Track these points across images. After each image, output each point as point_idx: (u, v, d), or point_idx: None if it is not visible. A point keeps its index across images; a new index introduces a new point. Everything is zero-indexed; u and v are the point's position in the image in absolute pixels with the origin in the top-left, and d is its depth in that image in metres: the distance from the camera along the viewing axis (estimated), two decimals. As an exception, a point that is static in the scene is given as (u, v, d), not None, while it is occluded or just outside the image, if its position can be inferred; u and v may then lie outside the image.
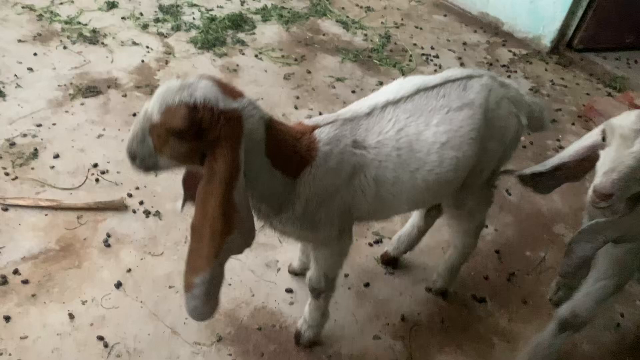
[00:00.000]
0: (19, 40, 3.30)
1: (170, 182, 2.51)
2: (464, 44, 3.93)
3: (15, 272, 2.06)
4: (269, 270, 2.22)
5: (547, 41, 3.86)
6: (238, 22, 3.75)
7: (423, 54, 3.74)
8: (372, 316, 2.12)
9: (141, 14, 3.73)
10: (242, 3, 4.02)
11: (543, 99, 3.46)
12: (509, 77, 3.62)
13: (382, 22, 4.06)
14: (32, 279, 2.05)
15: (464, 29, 4.12)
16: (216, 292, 1.36)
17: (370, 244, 2.39)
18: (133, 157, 1.30)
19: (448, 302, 2.20)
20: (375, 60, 3.60)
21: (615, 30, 3.82)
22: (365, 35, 3.88)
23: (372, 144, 1.48)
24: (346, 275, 2.24)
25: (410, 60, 3.66)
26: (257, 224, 1.48)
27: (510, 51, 3.92)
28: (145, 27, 3.60)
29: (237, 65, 3.37)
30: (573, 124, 3.28)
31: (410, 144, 1.50)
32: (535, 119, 1.82)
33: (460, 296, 2.23)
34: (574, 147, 1.56)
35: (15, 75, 3.02)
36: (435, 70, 3.61)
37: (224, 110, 1.21)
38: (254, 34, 3.70)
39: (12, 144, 2.60)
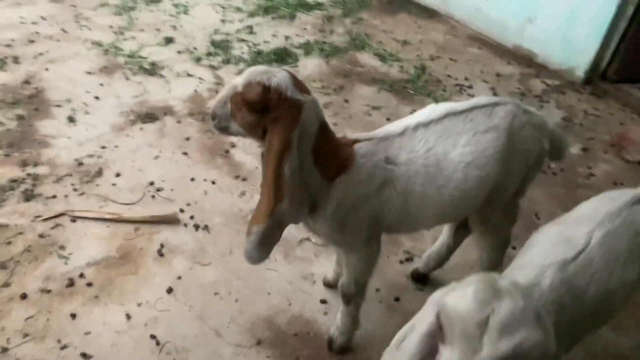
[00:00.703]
0: (88, 72, 3.69)
1: (218, 200, 2.75)
2: (498, 75, 4.07)
3: (81, 275, 2.32)
4: (305, 281, 2.39)
5: (580, 72, 3.95)
6: (282, 55, 4.04)
7: (457, 84, 3.91)
8: (401, 327, 2.24)
9: (195, 48, 4.08)
10: (287, 38, 4.31)
11: (576, 128, 3.55)
12: (541, 107, 3.73)
13: (417, 55, 4.26)
14: (95, 282, 2.31)
15: (498, 61, 4.27)
16: (268, 245, 1.61)
17: (402, 262, 2.53)
18: (213, 117, 1.60)
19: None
20: (410, 90, 3.79)
21: (651, 61, 3.88)
22: (401, 67, 4.09)
23: (402, 161, 1.67)
24: (377, 290, 2.39)
25: (444, 90, 3.83)
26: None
27: (543, 82, 4.03)
28: (198, 60, 3.94)
29: (281, 94, 3.63)
30: (605, 152, 3.35)
31: (438, 162, 1.67)
32: (556, 147, 1.96)
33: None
34: (414, 343, 1.19)
35: (84, 103, 3.39)
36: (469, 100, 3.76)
37: (289, 97, 1.49)
38: (297, 66, 3.97)
39: (80, 164, 2.92)
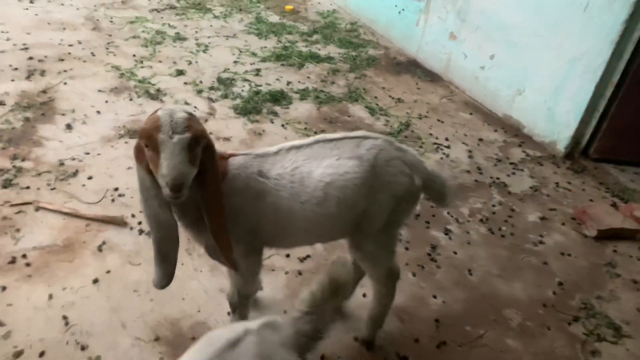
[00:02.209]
0: (99, 90, 4.12)
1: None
2: (480, 140, 4.17)
3: (24, 256, 2.57)
4: (220, 294, 2.52)
5: (561, 147, 3.99)
6: (277, 97, 4.34)
7: (435, 143, 4.04)
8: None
9: (201, 82, 4.46)
10: (288, 83, 4.63)
11: (541, 197, 3.57)
12: (513, 173, 3.79)
13: (407, 112, 4.45)
14: (33, 263, 2.55)
15: (485, 128, 4.38)
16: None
17: (319, 291, 2.62)
18: (180, 186, 1.52)
19: (370, 353, 2.34)
20: (387, 142, 3.95)
21: (637, 143, 3.87)
22: (387, 121, 4.28)
23: (273, 176, 1.83)
24: (286, 312, 2.48)
25: (420, 147, 3.97)
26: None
27: (524, 152, 4.08)
28: (200, 92, 4.31)
29: (264, 130, 3.90)
30: (563, 224, 3.33)
31: (302, 179, 1.82)
32: (436, 190, 2.06)
33: (384, 351, 2.36)
34: None
35: (85, 114, 3.78)
36: (442, 158, 3.88)
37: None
38: (288, 108, 4.25)
39: (62, 164, 3.25)
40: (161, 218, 1.67)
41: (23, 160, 3.23)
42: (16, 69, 4.24)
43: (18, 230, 2.72)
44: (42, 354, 2.14)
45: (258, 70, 4.79)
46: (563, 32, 3.82)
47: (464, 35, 4.73)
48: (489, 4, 4.40)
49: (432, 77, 5.14)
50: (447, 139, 4.11)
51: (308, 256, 2.80)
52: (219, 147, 3.51)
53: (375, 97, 4.64)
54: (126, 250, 2.71)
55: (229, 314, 2.43)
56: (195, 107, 4.06)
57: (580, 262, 3.04)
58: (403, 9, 5.49)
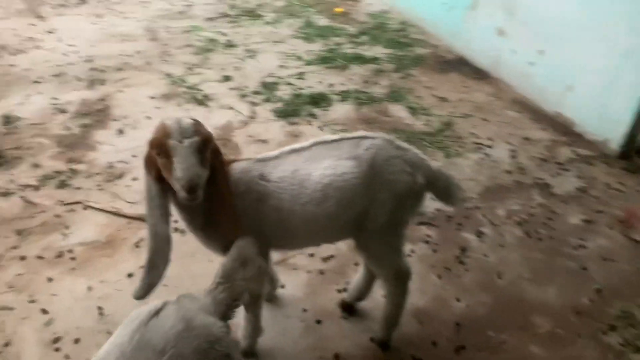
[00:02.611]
0: (151, 97, 4.39)
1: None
2: (526, 139, 4.00)
3: (70, 251, 2.82)
4: (243, 290, 2.62)
5: (615, 145, 3.74)
6: (317, 99, 4.41)
7: (477, 143, 3.92)
8: (311, 347, 2.37)
9: (245, 87, 4.62)
10: (330, 85, 4.69)
11: (588, 199, 3.37)
12: (559, 174, 3.60)
13: (450, 112, 4.35)
14: (77, 257, 2.78)
15: (533, 126, 4.19)
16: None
17: (339, 291, 2.65)
18: (195, 187, 1.61)
19: (386, 354, 2.34)
20: (425, 143, 3.90)
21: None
22: (428, 121, 4.21)
23: (274, 179, 1.89)
24: (304, 310, 2.54)
25: (460, 147, 3.88)
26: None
27: (573, 151, 3.87)
28: (244, 96, 4.47)
29: (301, 132, 3.98)
30: (611, 227, 3.13)
31: (302, 181, 1.87)
32: (441, 188, 2.03)
33: (400, 352, 2.35)
34: None
35: (135, 120, 4.05)
36: (482, 158, 3.76)
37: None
38: (327, 110, 4.30)
39: (111, 166, 3.50)
40: (159, 229, 1.76)
41: (78, 163, 3.52)
42: (80, 78, 4.62)
43: (67, 227, 2.98)
44: (77, 341, 2.34)
45: (302, 73, 4.88)
46: (614, 25, 3.59)
47: (512, 31, 4.55)
48: (537, -3, 4.22)
49: (480, 75, 4.99)
50: (489, 138, 3.99)
51: (332, 256, 2.84)
52: (257, 149, 3.64)
53: (418, 97, 4.58)
54: (160, 247, 2.87)
55: (249, 310, 2.53)
56: (238, 111, 4.22)
57: (624, 268, 2.85)
58: (451, 6, 5.37)
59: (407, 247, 2.92)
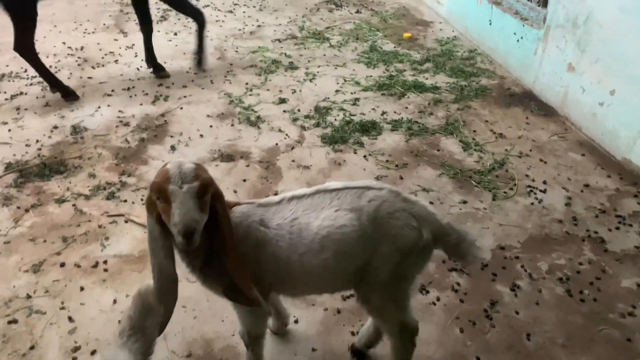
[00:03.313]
0: (207, 115, 4.57)
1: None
2: (586, 185, 3.69)
3: (105, 262, 2.97)
4: (257, 321, 2.63)
5: (690, 201, 3.36)
6: (367, 127, 4.36)
7: (529, 186, 3.68)
8: (313, 390, 2.32)
9: (299, 110, 4.68)
10: (383, 113, 4.62)
11: (647, 261, 3.04)
12: (617, 228, 3.28)
13: (506, 149, 4.13)
14: (110, 269, 2.93)
15: (597, 172, 3.86)
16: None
17: (353, 333, 2.57)
18: (191, 233, 1.61)
19: (389, 409, 2.23)
20: (473, 182, 3.72)
21: None
22: (480, 157, 4.02)
23: (273, 225, 1.87)
24: (314, 350, 2.49)
25: (510, 189, 3.66)
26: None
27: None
28: (295, 120, 4.52)
29: (344, 160, 3.95)
30: (670, 296, 2.80)
31: (300, 231, 1.84)
32: (452, 245, 1.92)
33: (404, 409, 2.23)
34: None
35: (189, 137, 4.22)
36: (532, 204, 3.52)
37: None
38: (376, 139, 4.24)
39: (158, 182, 3.67)
40: (164, 269, 1.77)
41: (129, 176, 3.73)
42: (146, 94, 4.91)
43: (107, 238, 3.15)
44: (93, 353, 2.46)
45: (357, 99, 4.86)
46: (695, 68, 3.24)
47: (583, 67, 4.25)
48: (611, 34, 3.91)
49: (546, 112, 4.70)
50: (544, 182, 3.73)
51: (352, 295, 2.77)
52: (298, 175, 3.65)
53: (474, 131, 4.39)
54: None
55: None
56: (287, 135, 4.27)
57: (678, 346, 2.53)
58: (522, 37, 5.12)
59: (433, 295, 2.79)
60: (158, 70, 5.25)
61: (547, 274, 2.95)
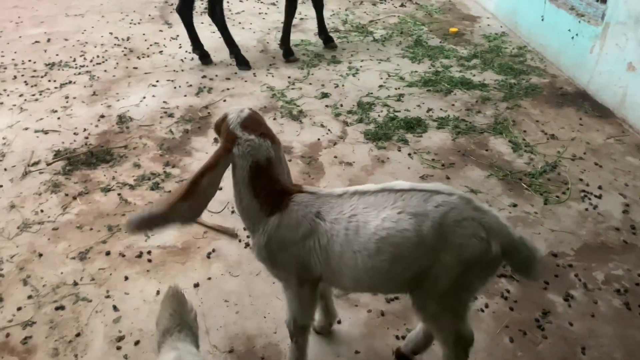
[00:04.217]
0: (250, 109, 4.53)
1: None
2: (645, 192, 3.51)
3: (149, 252, 2.99)
4: (299, 319, 2.59)
5: None
6: (412, 124, 4.25)
7: (583, 191, 3.51)
8: (355, 394, 2.26)
9: (341, 105, 4.61)
10: (429, 110, 4.50)
11: None
12: (677, 239, 3.10)
13: (558, 151, 3.95)
14: (154, 260, 2.94)
15: (657, 178, 3.66)
16: (147, 225, 1.84)
17: (397, 337, 2.50)
18: None
19: (435, 418, 2.16)
20: (523, 184, 3.57)
21: None
22: (531, 159, 3.86)
23: (330, 219, 1.83)
24: (357, 352, 2.44)
25: (563, 193, 3.49)
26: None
27: None
28: (337, 115, 4.45)
29: (388, 158, 3.86)
30: None
31: (357, 228, 1.78)
32: (520, 261, 1.83)
33: (451, 420, 2.15)
34: None
35: (232, 130, 4.21)
36: (587, 209, 3.35)
37: (230, 131, 1.85)
38: (421, 136, 4.13)
39: (201, 174, 3.67)
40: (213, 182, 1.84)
41: (173, 167, 3.74)
42: (190, 85, 4.93)
43: (151, 229, 3.16)
44: (137, 343, 2.47)
45: (401, 95, 4.75)
46: None
47: (645, 67, 4.02)
48: (679, 31, 3.68)
49: (601, 113, 4.48)
50: (600, 187, 3.54)
51: (397, 297, 2.69)
52: (340, 171, 3.58)
53: (524, 131, 4.22)
54: (230, 260, 2.94)
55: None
56: (329, 131, 4.21)
57: None
58: (577, 34, 4.89)
59: (481, 301, 2.69)
60: (327, 42, 5.74)
61: (603, 285, 2.80)
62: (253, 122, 1.87)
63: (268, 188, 1.87)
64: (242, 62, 5.29)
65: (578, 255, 3.00)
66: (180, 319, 1.71)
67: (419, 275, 1.80)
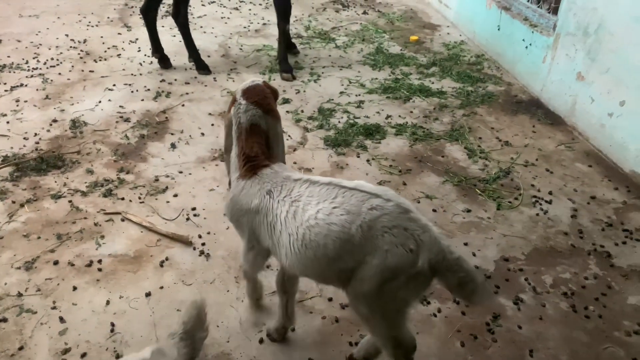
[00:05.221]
0: (209, 113, 4.50)
1: (233, 238, 3.10)
2: (592, 197, 3.62)
3: (99, 261, 2.90)
4: (253, 328, 2.56)
5: (698, 217, 3.29)
6: (372, 131, 4.29)
7: (535, 197, 3.61)
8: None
9: (302, 111, 4.61)
10: (387, 117, 4.55)
11: None
12: (624, 243, 3.21)
13: (511, 158, 4.05)
14: (104, 269, 2.86)
15: (604, 184, 3.79)
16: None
17: (351, 344, 2.50)
18: None
19: None
20: (477, 190, 3.65)
21: None
22: (486, 165, 3.95)
23: (278, 198, 1.94)
24: (310, 359, 2.42)
25: (515, 199, 3.58)
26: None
27: (647, 218, 3.45)
28: (298, 121, 4.45)
29: (347, 164, 3.88)
30: (677, 315, 2.73)
31: (295, 213, 1.88)
32: (455, 283, 1.81)
33: None
34: None
35: (190, 135, 4.15)
36: (537, 214, 3.45)
37: (234, 94, 2.18)
38: (379, 143, 4.17)
39: (156, 180, 3.60)
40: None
41: (127, 173, 3.66)
42: (148, 89, 4.84)
43: (102, 236, 3.08)
44: (83, 355, 2.39)
45: (361, 102, 4.79)
46: None
47: (593, 77, 4.18)
48: (623, 43, 3.83)
49: (553, 120, 4.63)
50: (550, 193, 3.65)
51: (351, 304, 2.69)
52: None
53: (480, 138, 4.32)
54: (183, 269, 2.89)
55: (256, 349, 2.45)
56: (289, 136, 4.20)
57: (685, 367, 2.46)
58: (530, 44, 5.04)
59: (434, 306, 2.72)
60: (290, 48, 5.62)
61: (551, 288, 2.88)
62: (252, 91, 2.09)
63: (247, 153, 2.04)
64: (202, 67, 5.22)
65: (528, 259, 3.08)
66: (187, 330, 1.75)
67: (346, 272, 1.84)
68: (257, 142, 2.05)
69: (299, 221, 1.85)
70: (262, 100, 2.07)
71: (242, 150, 2.06)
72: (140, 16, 5.20)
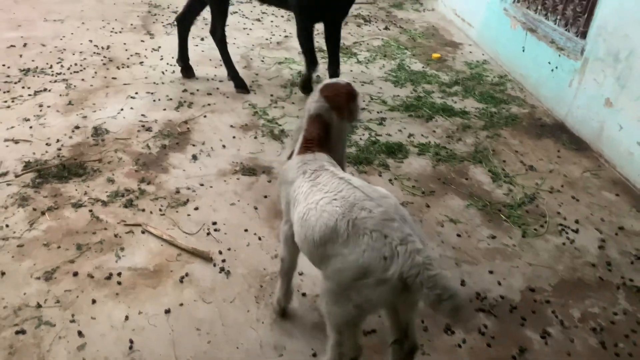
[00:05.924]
0: (231, 126, 4.48)
1: (253, 254, 3.06)
2: (621, 228, 3.54)
3: (119, 274, 2.87)
4: (273, 351, 2.50)
5: None
6: (393, 149, 4.24)
7: (561, 225, 3.53)
8: None
9: (324, 126, 4.56)
10: (410, 136, 4.50)
11: None
12: (654, 277, 3.13)
13: (536, 183, 3.98)
14: (124, 283, 2.82)
15: (632, 215, 3.70)
16: None
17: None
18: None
19: None
20: (502, 215, 3.58)
21: None
22: (510, 190, 3.88)
23: (305, 179, 2.14)
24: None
25: (541, 226, 3.51)
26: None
27: (678, 252, 3.35)
28: (320, 136, 4.41)
29: (369, 183, 3.81)
30: None
31: (308, 194, 2.07)
32: (432, 300, 1.71)
33: None
34: None
35: (212, 147, 4.13)
36: (564, 243, 3.37)
37: (316, 87, 2.43)
38: (402, 162, 4.12)
39: (178, 192, 3.57)
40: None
41: (148, 183, 3.63)
42: (170, 99, 4.83)
43: (122, 248, 3.05)
44: (101, 372, 2.34)
45: (383, 119, 4.75)
46: None
47: (622, 104, 4.11)
48: (655, 71, 3.77)
49: (578, 146, 4.55)
50: (577, 222, 3.57)
51: (373, 331, 2.63)
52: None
53: (504, 161, 4.25)
54: (203, 286, 2.85)
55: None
56: (310, 152, 4.15)
57: None
58: (556, 67, 4.98)
59: (458, 336, 2.65)
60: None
61: (579, 322, 2.80)
62: (328, 87, 2.34)
63: (306, 136, 2.29)
64: (241, 85, 5.11)
65: (555, 291, 3.00)
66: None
67: (325, 260, 1.96)
68: (317, 129, 2.27)
69: (304, 202, 2.05)
70: (333, 96, 2.27)
71: (304, 133, 2.30)
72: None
